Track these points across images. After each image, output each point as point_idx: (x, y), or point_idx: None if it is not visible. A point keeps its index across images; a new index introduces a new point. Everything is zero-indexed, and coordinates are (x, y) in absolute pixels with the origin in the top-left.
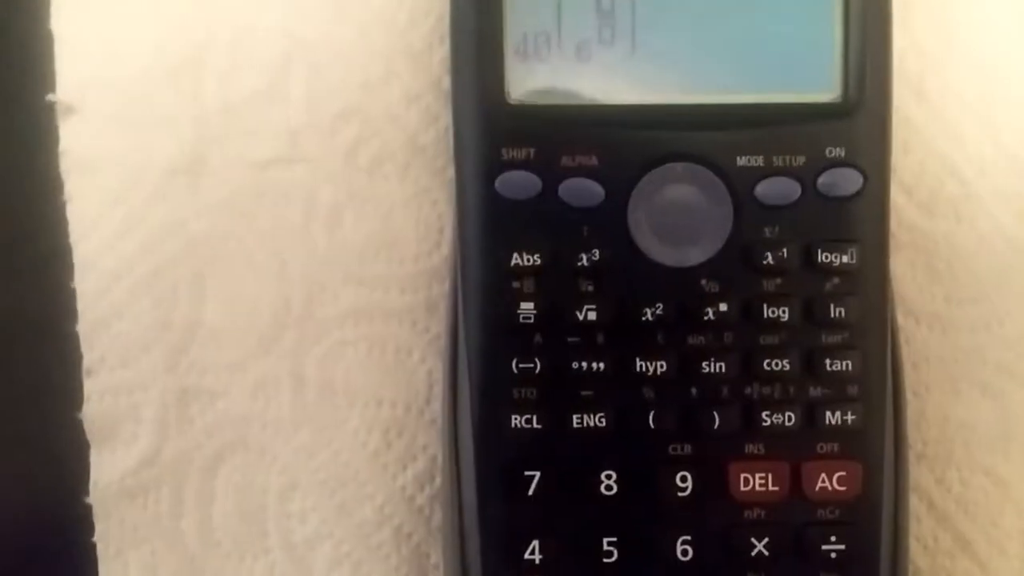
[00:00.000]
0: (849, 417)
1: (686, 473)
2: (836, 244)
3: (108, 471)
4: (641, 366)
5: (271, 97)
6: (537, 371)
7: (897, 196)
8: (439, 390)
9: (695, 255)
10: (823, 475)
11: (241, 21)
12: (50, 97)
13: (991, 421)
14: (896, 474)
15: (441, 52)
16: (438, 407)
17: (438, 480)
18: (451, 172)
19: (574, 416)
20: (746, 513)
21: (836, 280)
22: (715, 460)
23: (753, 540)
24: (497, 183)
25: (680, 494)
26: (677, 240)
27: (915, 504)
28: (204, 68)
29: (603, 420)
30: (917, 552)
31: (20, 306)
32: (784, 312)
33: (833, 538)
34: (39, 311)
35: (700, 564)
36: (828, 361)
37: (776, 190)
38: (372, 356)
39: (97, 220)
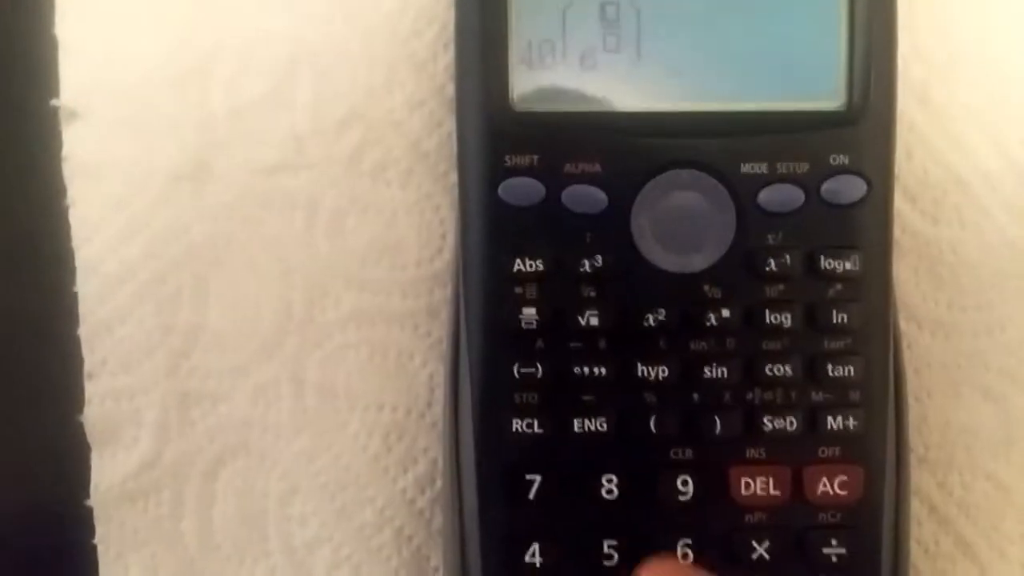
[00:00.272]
0: (851, 422)
1: (687, 477)
2: (839, 251)
3: (109, 474)
4: (643, 371)
5: (275, 103)
6: (539, 376)
7: (901, 203)
8: (440, 394)
9: (698, 261)
10: (824, 479)
11: (246, 28)
12: (54, 102)
13: (993, 426)
14: (898, 478)
15: (445, 59)
16: (439, 411)
17: (439, 483)
18: (454, 178)
19: (575, 420)
20: (747, 517)
21: (839, 286)
22: (716, 464)
23: (754, 543)
24: (500, 189)
25: (681, 498)
26: (680, 246)
27: (916, 508)
28: (208, 74)
29: (604, 424)
30: (918, 555)
31: (22, 309)
32: (787, 318)
33: (834, 542)
34: (41, 314)
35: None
36: (830, 366)
37: (779, 197)
38: (373, 360)
39: (100, 225)
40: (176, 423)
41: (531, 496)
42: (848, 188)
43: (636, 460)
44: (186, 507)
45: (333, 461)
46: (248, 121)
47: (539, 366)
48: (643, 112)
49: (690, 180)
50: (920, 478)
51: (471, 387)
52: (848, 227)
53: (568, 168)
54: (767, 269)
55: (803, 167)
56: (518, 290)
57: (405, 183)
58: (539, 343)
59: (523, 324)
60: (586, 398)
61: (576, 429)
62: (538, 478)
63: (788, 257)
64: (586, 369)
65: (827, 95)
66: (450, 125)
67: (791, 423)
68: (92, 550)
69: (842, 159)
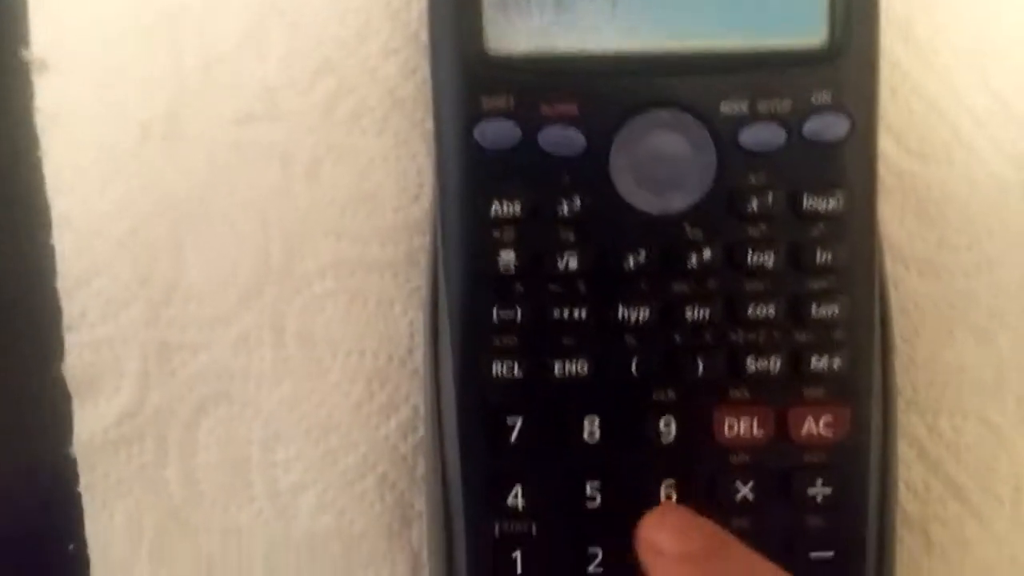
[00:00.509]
0: (835, 362)
1: (670, 418)
2: (822, 190)
3: (91, 424)
4: (623, 313)
5: (247, 53)
6: (518, 319)
7: (885, 141)
8: (420, 341)
9: (678, 202)
10: (809, 419)
11: None
12: (24, 53)
13: (983, 366)
14: (884, 419)
15: (419, 5)
16: (420, 357)
17: (421, 429)
18: (430, 125)
19: (556, 363)
20: (731, 458)
21: (822, 226)
22: (700, 405)
23: (738, 484)
24: (476, 132)
25: (664, 440)
26: (660, 187)
27: (905, 451)
28: (179, 24)
29: (585, 367)
30: (908, 499)
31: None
32: (769, 258)
33: (820, 482)
34: (18, 267)
35: None
36: (814, 306)
37: (761, 136)
38: (353, 308)
39: (74, 177)
40: (157, 372)
41: (512, 439)
42: (831, 126)
43: (618, 402)
44: (169, 455)
45: (315, 408)
46: (221, 71)
47: (518, 309)
48: (620, 52)
49: (669, 120)
50: (909, 421)
51: (451, 332)
52: (831, 166)
53: (544, 110)
54: (749, 209)
55: (785, 105)
56: (496, 234)
57: (381, 131)
58: (518, 287)
59: (501, 268)
60: (566, 341)
61: (556, 372)
62: (519, 421)
63: (770, 197)
64: (565, 312)
65: (808, 31)
66: (425, 71)
67: (775, 363)
68: (77, 499)
69: (824, 96)
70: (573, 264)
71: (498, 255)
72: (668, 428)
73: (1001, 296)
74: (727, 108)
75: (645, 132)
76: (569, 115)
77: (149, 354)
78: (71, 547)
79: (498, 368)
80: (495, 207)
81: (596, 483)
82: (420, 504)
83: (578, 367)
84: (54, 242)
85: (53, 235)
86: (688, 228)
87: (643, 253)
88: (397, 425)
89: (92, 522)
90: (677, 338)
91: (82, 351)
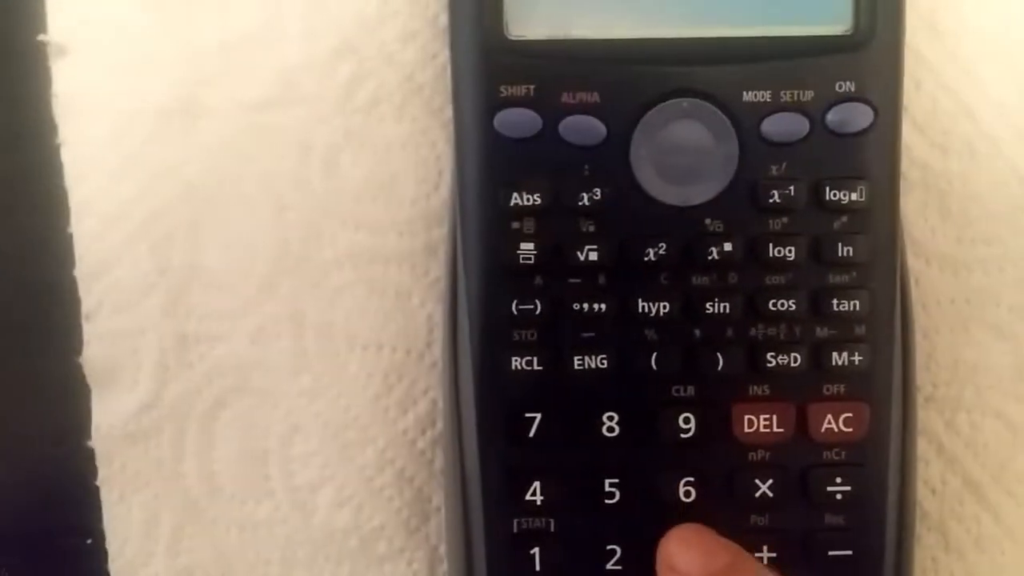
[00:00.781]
0: (856, 358)
1: (689, 414)
2: (845, 181)
3: (110, 416)
4: (643, 307)
5: (266, 37)
6: (537, 312)
7: (909, 134)
8: (439, 333)
9: (699, 194)
10: (829, 416)
11: None
12: (42, 37)
13: (1003, 364)
14: (904, 416)
15: None
16: (438, 351)
17: (439, 423)
18: (449, 112)
19: (575, 357)
20: (750, 455)
21: (844, 218)
22: (719, 401)
23: (757, 482)
24: (496, 121)
25: (683, 435)
26: (681, 178)
27: (924, 447)
28: (198, 7)
29: (604, 362)
30: (925, 495)
31: (17, 250)
32: (790, 251)
33: (839, 480)
34: (36, 255)
35: (703, 506)
36: (835, 301)
37: (783, 126)
38: (371, 300)
39: (92, 163)
40: (175, 364)
41: (531, 434)
42: (854, 116)
43: (637, 397)
44: (187, 448)
45: (334, 402)
46: (238, 55)
47: (538, 302)
48: (642, 39)
49: (691, 109)
50: (928, 417)
51: (469, 325)
52: (854, 157)
53: (565, 98)
54: (770, 201)
55: (808, 95)
56: (515, 225)
57: (399, 118)
58: (537, 279)
59: (521, 260)
60: (585, 335)
61: (576, 366)
62: (538, 416)
63: (792, 188)
64: (585, 305)
65: (833, 19)
66: (444, 57)
67: (795, 359)
68: (95, 492)
69: (848, 86)
70: (593, 256)
71: (518, 247)
72: (687, 424)
73: (1021, 292)
74: (750, 97)
75: (666, 121)
76: (590, 104)
77: (167, 345)
78: (88, 540)
79: (517, 362)
80: (515, 197)
81: (615, 479)
82: (438, 499)
83: (598, 361)
84: (72, 230)
85: (71, 222)
86: (709, 220)
87: (663, 246)
88: (415, 419)
89: (110, 515)
90: (697, 333)
91: (101, 342)
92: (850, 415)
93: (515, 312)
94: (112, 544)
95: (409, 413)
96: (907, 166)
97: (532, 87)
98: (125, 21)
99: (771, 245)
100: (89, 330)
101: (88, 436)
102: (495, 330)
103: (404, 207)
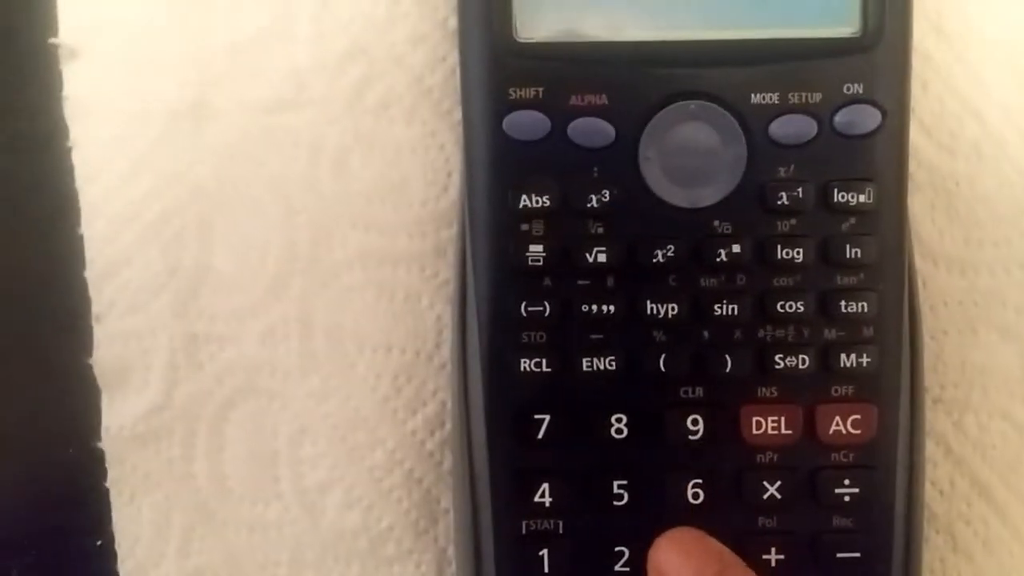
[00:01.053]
0: (864, 360)
1: (697, 416)
2: (853, 183)
3: (119, 417)
4: (652, 309)
5: (276, 38)
6: (546, 314)
7: (916, 136)
8: (448, 335)
9: (708, 196)
10: (837, 418)
11: None
12: (53, 40)
13: (1011, 365)
14: (912, 418)
15: None
16: (447, 352)
17: (448, 425)
18: (458, 114)
19: (584, 359)
20: (758, 457)
21: (852, 220)
22: (727, 403)
23: (765, 484)
24: (505, 123)
25: (691, 437)
26: (689, 180)
27: (932, 449)
28: (208, 8)
29: (613, 363)
30: (933, 497)
31: (28, 252)
32: (799, 253)
33: (847, 482)
34: (47, 257)
35: (711, 508)
36: (843, 303)
37: (791, 128)
38: (380, 302)
39: (103, 165)
40: (185, 365)
41: (540, 436)
42: (862, 118)
43: (645, 399)
44: (197, 449)
45: (343, 403)
46: (248, 56)
47: (546, 304)
48: (650, 41)
49: (699, 111)
50: (935, 418)
51: (478, 327)
52: (862, 158)
53: (574, 100)
54: (778, 203)
55: (816, 96)
56: (524, 227)
57: (409, 120)
58: (546, 281)
59: (530, 261)
60: (594, 336)
61: (584, 368)
62: (547, 418)
63: (800, 190)
64: (594, 307)
65: (841, 21)
66: (453, 59)
67: (803, 361)
68: (105, 493)
69: (856, 88)
70: (602, 258)
71: (527, 249)
72: (696, 426)
73: None
74: (758, 99)
75: (674, 124)
76: (599, 106)
77: (177, 346)
78: (99, 542)
79: (526, 364)
80: (524, 199)
81: (623, 481)
82: (447, 500)
83: (606, 363)
84: (82, 231)
85: (82, 223)
86: (717, 222)
87: (672, 247)
88: (424, 421)
89: (120, 516)
90: (705, 334)
91: (111, 343)
92: (858, 417)
93: (524, 313)
94: (122, 545)
95: (418, 414)
96: (914, 168)
97: (541, 89)
98: (136, 24)
99: (779, 247)
100: (99, 331)
101: (98, 437)
102: (504, 331)
103: (413, 209)
